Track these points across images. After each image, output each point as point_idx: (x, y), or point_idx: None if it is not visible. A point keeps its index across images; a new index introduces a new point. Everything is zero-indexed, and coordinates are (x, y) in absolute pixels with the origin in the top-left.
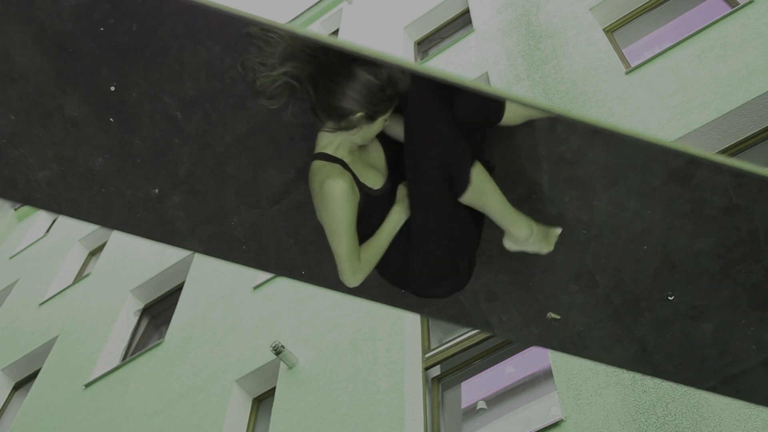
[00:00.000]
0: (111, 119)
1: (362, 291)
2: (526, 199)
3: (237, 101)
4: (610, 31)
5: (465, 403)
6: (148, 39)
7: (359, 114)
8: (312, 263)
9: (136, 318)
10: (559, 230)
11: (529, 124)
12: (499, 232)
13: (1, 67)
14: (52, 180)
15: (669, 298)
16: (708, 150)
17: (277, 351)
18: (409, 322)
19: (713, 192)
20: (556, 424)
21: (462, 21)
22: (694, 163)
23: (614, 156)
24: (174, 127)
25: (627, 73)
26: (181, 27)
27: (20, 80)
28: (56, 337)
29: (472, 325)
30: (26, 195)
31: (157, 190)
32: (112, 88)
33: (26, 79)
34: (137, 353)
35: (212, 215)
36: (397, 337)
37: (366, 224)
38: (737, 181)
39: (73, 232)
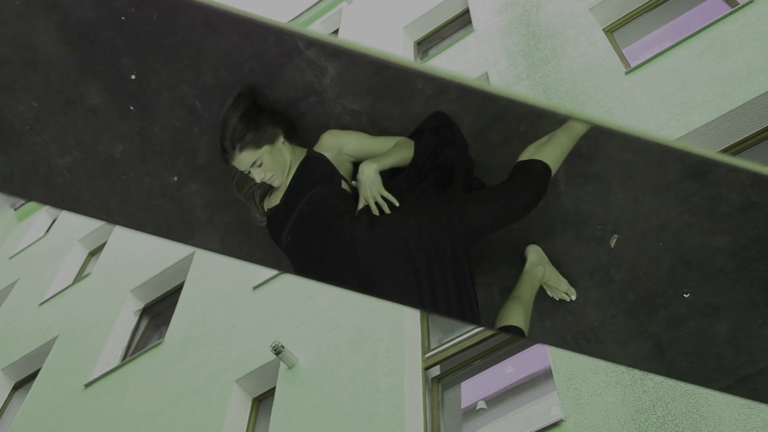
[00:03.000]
0: (131, 107)
1: (370, 289)
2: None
3: (255, 91)
4: (610, 31)
5: (465, 403)
6: (167, 28)
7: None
8: None
9: (136, 318)
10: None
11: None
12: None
13: (25, 54)
14: (72, 166)
15: (684, 295)
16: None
17: (277, 351)
18: (409, 322)
19: (730, 189)
20: (556, 424)
21: (462, 21)
22: (709, 160)
23: (630, 151)
24: (193, 116)
25: (627, 73)
26: (200, 17)
27: (43, 68)
28: (56, 337)
29: (485, 323)
30: (47, 181)
31: (175, 178)
32: (133, 77)
33: (49, 67)
34: (137, 353)
35: (230, 203)
36: (397, 337)
37: None
38: (754, 178)
39: (73, 232)
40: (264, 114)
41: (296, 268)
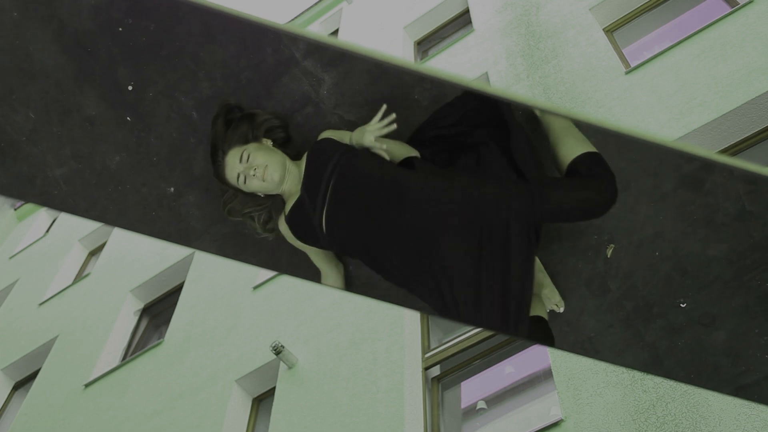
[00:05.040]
0: (128, 118)
1: (370, 291)
2: None
3: (251, 101)
4: (609, 31)
5: (465, 403)
6: (165, 39)
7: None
8: None
9: (136, 318)
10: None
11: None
12: None
13: (22, 64)
14: (69, 177)
15: (681, 304)
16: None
17: (277, 351)
18: (409, 322)
19: (725, 198)
20: (556, 424)
21: (462, 21)
22: (705, 168)
23: (626, 160)
24: (190, 126)
25: (627, 73)
26: (196, 27)
27: (40, 78)
28: (56, 337)
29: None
30: (44, 192)
31: (172, 189)
32: (130, 87)
33: (46, 77)
34: (137, 353)
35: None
36: (397, 337)
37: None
38: (749, 187)
39: (73, 232)
40: (245, 117)
41: (344, 244)
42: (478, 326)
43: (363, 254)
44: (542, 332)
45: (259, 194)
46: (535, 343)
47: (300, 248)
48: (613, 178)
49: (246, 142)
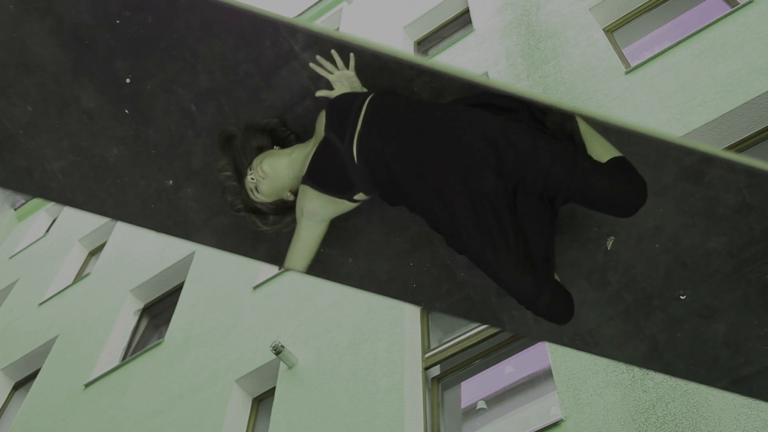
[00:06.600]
0: (126, 111)
1: (370, 284)
2: None
3: (250, 94)
4: (609, 31)
5: (465, 403)
6: (163, 31)
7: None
8: (324, 253)
9: (136, 318)
10: None
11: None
12: None
13: (19, 58)
14: (67, 170)
15: (680, 296)
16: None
17: (277, 351)
18: (409, 322)
19: (726, 191)
20: (556, 424)
21: (462, 21)
22: (706, 161)
23: (626, 153)
24: (188, 119)
25: (627, 73)
26: (195, 20)
27: (37, 71)
28: (56, 337)
29: (483, 321)
30: (42, 185)
31: (171, 182)
32: (128, 80)
33: (43, 70)
34: (137, 353)
35: (225, 207)
36: (396, 337)
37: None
38: (750, 180)
39: (73, 232)
40: (245, 137)
41: (376, 165)
42: (510, 262)
43: (399, 173)
44: (563, 290)
45: (288, 198)
46: (557, 303)
47: (308, 222)
48: (645, 184)
49: (256, 156)
